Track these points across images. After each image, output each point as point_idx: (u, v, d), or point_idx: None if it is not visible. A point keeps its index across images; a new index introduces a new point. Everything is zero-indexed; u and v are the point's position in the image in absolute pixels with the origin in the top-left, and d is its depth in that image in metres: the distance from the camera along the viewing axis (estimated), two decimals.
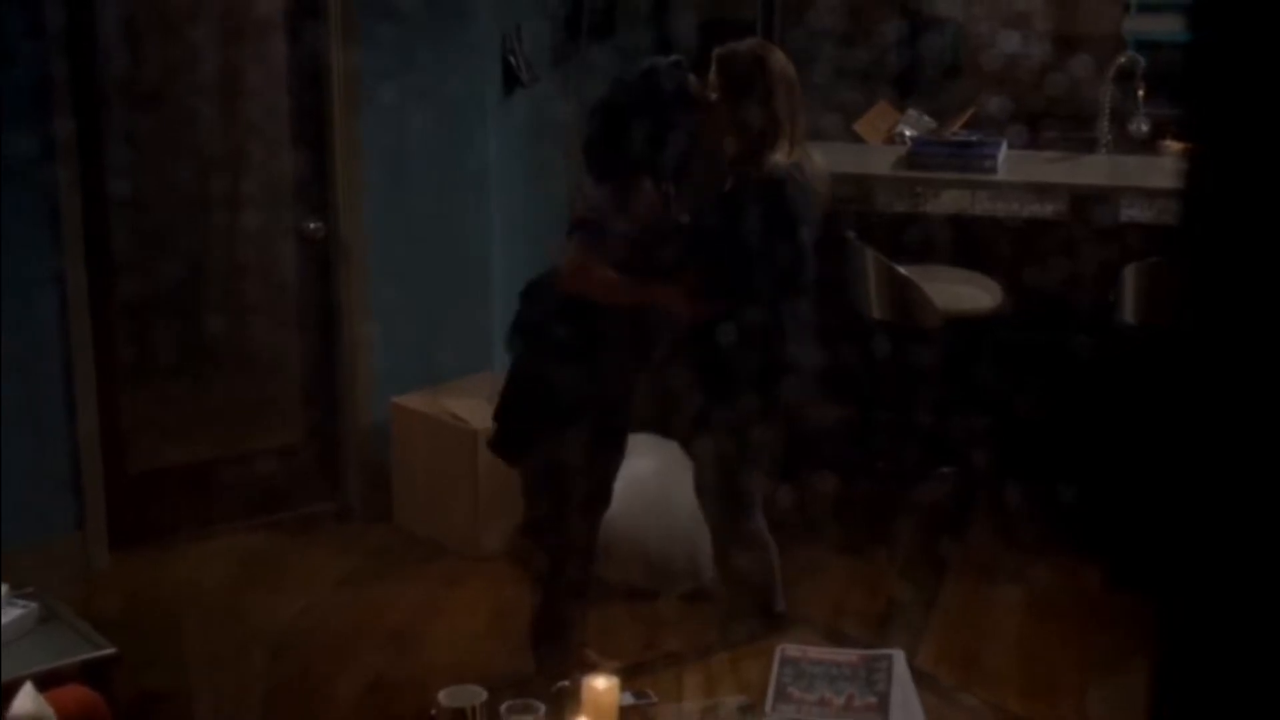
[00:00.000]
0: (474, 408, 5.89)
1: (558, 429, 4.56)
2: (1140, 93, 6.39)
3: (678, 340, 4.59)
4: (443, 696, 3.79)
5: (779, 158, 4.42)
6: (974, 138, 6.47)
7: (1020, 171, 6.22)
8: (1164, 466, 0.92)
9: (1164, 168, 6.08)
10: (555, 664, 4.50)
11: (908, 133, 6.70)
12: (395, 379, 6.11)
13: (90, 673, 4.20)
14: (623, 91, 4.55)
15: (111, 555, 5.70)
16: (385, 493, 6.12)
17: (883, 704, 4.04)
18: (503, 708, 3.78)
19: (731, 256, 4.43)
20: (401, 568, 5.81)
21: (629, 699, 3.88)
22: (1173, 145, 6.27)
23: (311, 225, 6.02)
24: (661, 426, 4.91)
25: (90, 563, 5.63)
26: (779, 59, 4.51)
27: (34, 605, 4.43)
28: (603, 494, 4.73)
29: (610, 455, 4.68)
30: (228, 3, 5.85)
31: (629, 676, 4.05)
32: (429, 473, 6.00)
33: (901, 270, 5.77)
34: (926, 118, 6.82)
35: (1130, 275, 5.68)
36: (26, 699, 3.72)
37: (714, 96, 4.48)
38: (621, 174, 4.45)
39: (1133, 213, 6.06)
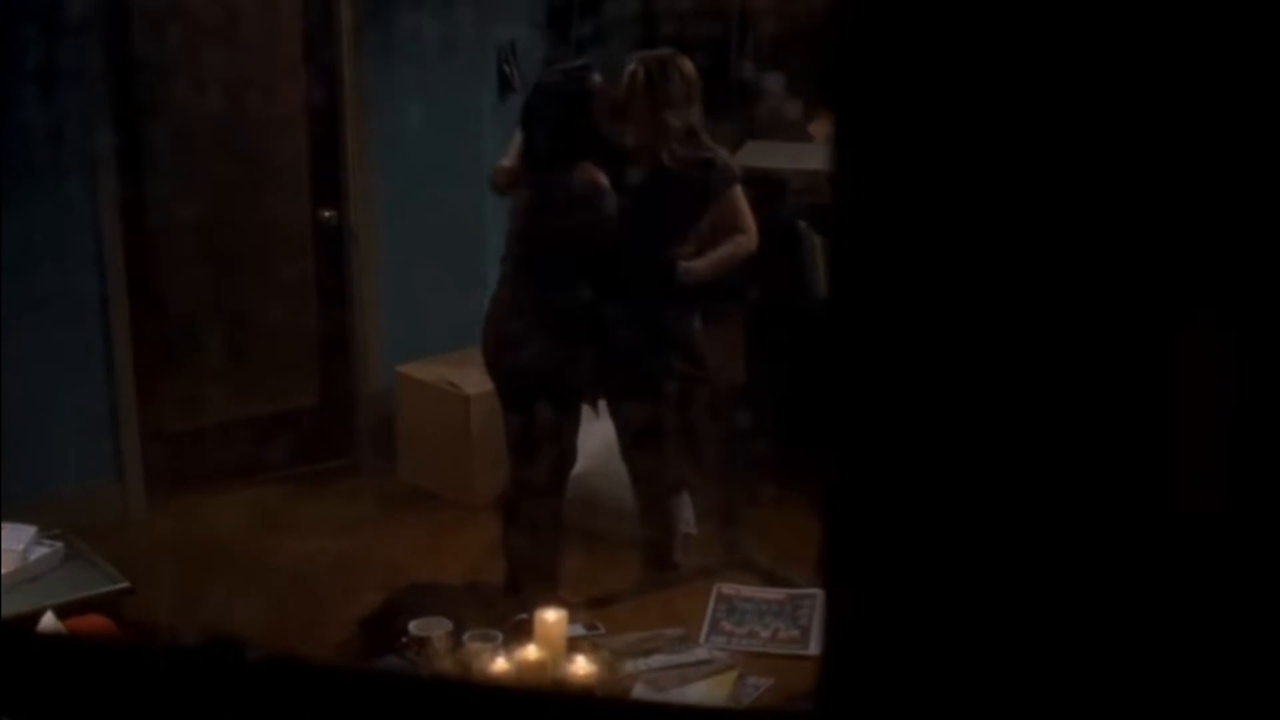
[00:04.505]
0: (468, 376, 5.89)
1: (524, 399, 4.59)
2: None
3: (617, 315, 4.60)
4: (413, 626, 3.81)
5: (695, 149, 4.45)
6: None
7: None
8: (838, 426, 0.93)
9: None
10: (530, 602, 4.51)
11: None
12: (400, 350, 6.11)
13: (108, 605, 4.23)
14: (540, 94, 4.57)
15: (148, 504, 5.72)
16: (391, 450, 6.13)
17: (804, 636, 4.05)
18: (465, 636, 3.80)
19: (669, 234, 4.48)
20: (404, 515, 5.81)
21: (579, 630, 3.89)
22: None
23: (326, 214, 6.02)
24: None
25: (129, 511, 5.65)
26: (689, 65, 4.52)
27: (59, 545, 4.46)
28: (568, 453, 4.73)
29: (571, 419, 4.67)
30: (265, 25, 5.84)
31: (583, 611, 4.07)
32: (429, 432, 6.00)
33: None
34: None
35: None
36: (48, 626, 3.75)
37: (621, 94, 4.49)
38: (561, 164, 4.47)
39: None
